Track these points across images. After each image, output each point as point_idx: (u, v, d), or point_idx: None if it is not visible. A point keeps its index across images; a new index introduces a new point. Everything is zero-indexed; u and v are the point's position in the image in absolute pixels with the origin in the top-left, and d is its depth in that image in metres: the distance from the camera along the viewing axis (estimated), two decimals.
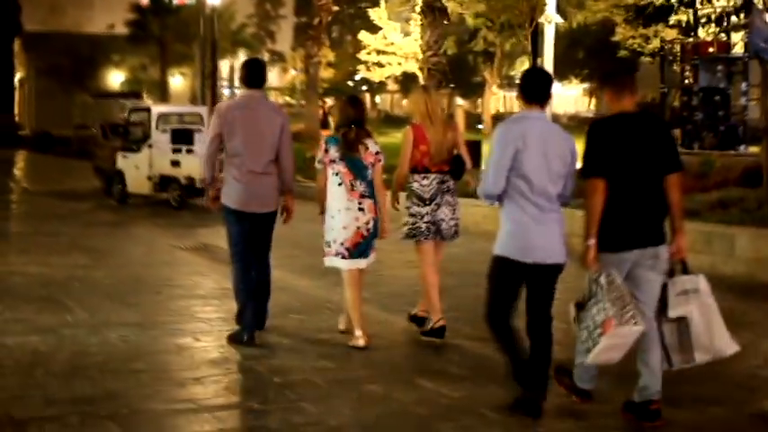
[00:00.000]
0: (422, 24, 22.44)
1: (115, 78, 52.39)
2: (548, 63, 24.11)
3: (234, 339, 7.22)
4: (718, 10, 24.72)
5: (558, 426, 5.52)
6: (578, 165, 5.52)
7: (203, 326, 7.87)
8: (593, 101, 66.48)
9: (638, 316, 5.16)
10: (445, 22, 22.07)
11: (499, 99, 66.12)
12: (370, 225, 7.08)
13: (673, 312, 5.29)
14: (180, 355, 6.94)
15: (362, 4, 66.40)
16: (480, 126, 51.37)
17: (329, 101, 43.56)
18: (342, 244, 7.06)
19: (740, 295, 9.37)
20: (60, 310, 8.34)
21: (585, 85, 65.95)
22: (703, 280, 5.37)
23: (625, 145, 5.32)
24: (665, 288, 5.40)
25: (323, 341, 7.38)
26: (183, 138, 17.41)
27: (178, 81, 51.17)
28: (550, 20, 22.26)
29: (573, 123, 39.01)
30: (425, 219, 7.29)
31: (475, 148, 18.75)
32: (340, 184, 7.06)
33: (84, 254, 11.78)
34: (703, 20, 25.49)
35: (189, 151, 17.32)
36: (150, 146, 17.80)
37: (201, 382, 6.24)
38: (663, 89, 26.70)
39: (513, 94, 66.31)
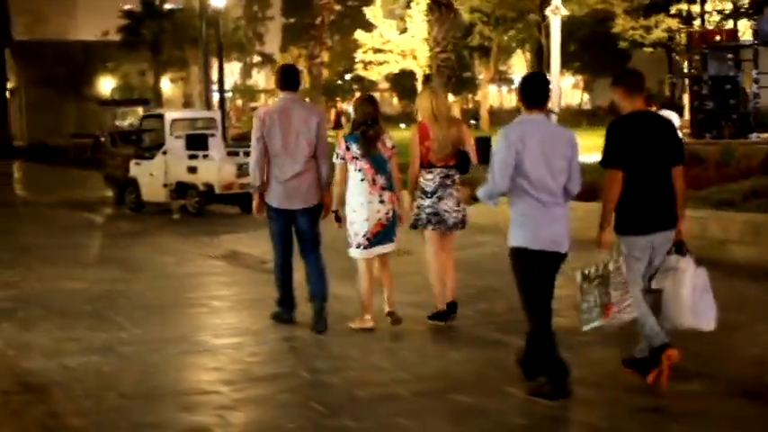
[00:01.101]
0: (429, 21, 22.20)
1: (106, 85, 51.89)
2: (554, 54, 23.98)
3: (276, 317, 8.01)
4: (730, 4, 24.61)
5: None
6: (579, 157, 5.96)
7: (260, 338, 7.64)
8: (585, 94, 66.29)
9: (634, 305, 5.74)
10: (452, 16, 21.77)
11: (490, 94, 65.93)
12: (390, 215, 7.64)
13: (654, 284, 5.95)
14: (248, 372, 6.68)
15: (350, 2, 66.25)
16: (473, 122, 51.17)
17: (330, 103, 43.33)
18: (364, 236, 7.57)
19: None
20: (111, 326, 8.08)
21: (576, 78, 65.75)
22: (689, 261, 5.91)
23: (641, 141, 5.92)
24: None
25: (390, 350, 7.18)
26: (198, 143, 17.04)
27: (167, 86, 50.81)
28: (558, 12, 22.16)
29: (566, 116, 38.57)
30: (427, 210, 7.71)
31: (485, 144, 18.64)
32: (363, 180, 7.56)
33: (115, 266, 11.50)
34: (709, 10, 25.37)
35: (205, 156, 16.99)
36: (165, 152, 17.44)
37: (281, 400, 5.99)
38: (671, 80, 26.51)
39: (506, 88, 66.38)
